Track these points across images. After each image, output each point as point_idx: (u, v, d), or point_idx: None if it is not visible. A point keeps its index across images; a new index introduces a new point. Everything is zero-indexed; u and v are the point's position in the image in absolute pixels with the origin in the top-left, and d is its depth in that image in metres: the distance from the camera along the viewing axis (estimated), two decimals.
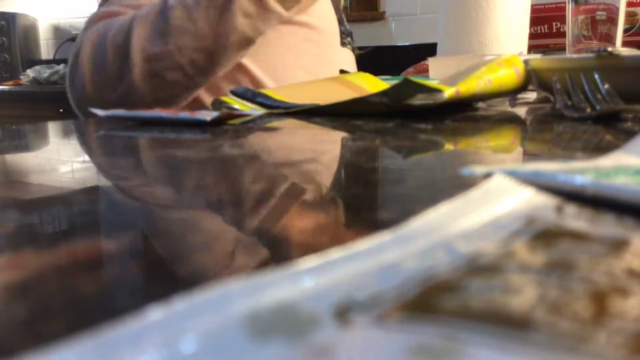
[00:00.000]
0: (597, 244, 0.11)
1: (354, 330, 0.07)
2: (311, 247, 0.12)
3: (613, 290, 0.08)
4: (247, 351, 0.07)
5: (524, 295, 0.08)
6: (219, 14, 0.61)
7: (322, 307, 0.08)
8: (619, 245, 0.11)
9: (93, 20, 0.68)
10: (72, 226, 0.15)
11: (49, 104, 1.98)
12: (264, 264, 0.11)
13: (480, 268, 0.09)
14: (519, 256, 0.10)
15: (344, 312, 0.08)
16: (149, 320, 0.07)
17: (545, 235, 0.11)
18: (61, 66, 2.23)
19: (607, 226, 0.12)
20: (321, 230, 0.14)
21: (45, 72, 2.20)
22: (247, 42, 0.64)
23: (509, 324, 0.07)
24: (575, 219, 0.12)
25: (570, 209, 0.13)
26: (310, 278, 0.09)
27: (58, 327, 0.08)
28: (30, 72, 2.20)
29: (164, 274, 0.11)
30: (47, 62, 2.43)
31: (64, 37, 2.64)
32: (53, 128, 0.48)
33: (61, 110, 1.92)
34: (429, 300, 0.08)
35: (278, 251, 0.12)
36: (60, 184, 0.23)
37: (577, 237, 0.11)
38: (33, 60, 2.56)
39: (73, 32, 2.61)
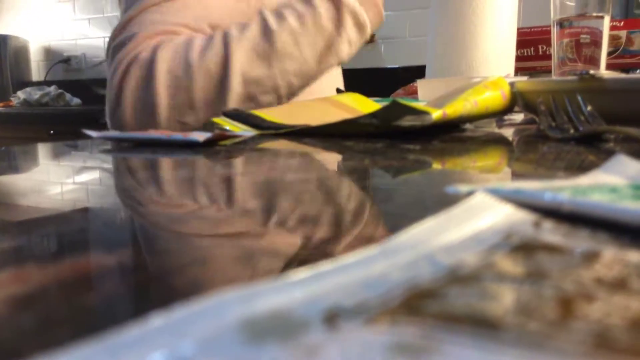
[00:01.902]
0: (570, 256, 0.11)
1: (341, 333, 0.08)
2: (302, 261, 0.13)
3: (580, 296, 0.09)
4: (243, 352, 0.07)
5: (498, 300, 0.09)
6: (326, 41, 0.62)
7: (312, 313, 0.08)
8: (590, 257, 0.11)
9: (144, 37, 0.63)
10: (68, 245, 0.16)
11: (39, 125, 1.98)
12: (257, 276, 0.12)
13: (460, 278, 0.10)
14: (496, 267, 0.10)
15: (332, 318, 0.08)
16: (150, 326, 0.08)
17: (522, 249, 0.12)
18: (52, 88, 2.24)
19: (581, 240, 0.13)
20: (312, 245, 0.14)
21: (36, 93, 2.20)
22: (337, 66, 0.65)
23: (483, 325, 0.08)
24: (551, 233, 0.13)
25: (548, 224, 0.14)
26: (302, 288, 0.09)
27: (62, 337, 0.09)
28: (21, 94, 2.21)
29: (163, 286, 0.12)
30: (38, 84, 2.43)
31: (55, 58, 2.65)
32: (46, 150, 0.49)
33: (52, 132, 1.93)
34: (411, 306, 0.09)
35: (271, 264, 0.13)
36: (51, 205, 0.23)
37: (552, 249, 0.12)
38: (24, 82, 2.57)
39: (64, 54, 2.63)
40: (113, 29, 0.70)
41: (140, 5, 0.64)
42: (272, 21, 0.61)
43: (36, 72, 2.72)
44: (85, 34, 2.60)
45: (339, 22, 0.62)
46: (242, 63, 0.60)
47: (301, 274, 0.10)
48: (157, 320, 0.08)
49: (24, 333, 0.09)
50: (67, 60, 2.61)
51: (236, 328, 0.08)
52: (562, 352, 0.07)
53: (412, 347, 0.07)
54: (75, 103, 2.26)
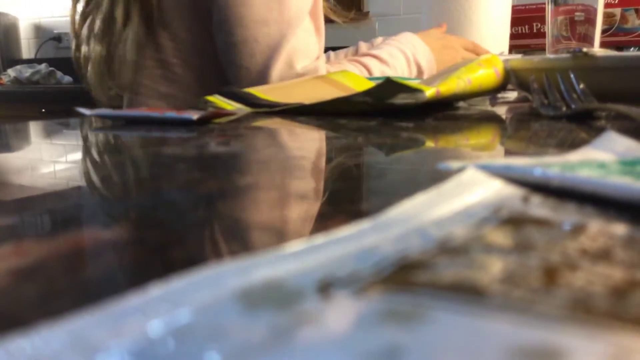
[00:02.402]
0: (557, 228, 0.12)
1: (334, 301, 0.08)
2: (297, 234, 0.13)
3: (564, 266, 0.09)
4: (239, 319, 0.08)
5: (485, 270, 0.09)
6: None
7: (307, 283, 0.09)
8: (576, 230, 0.12)
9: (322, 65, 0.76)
10: (65, 221, 0.16)
11: (30, 104, 1.96)
12: (253, 249, 0.12)
13: (449, 249, 0.10)
14: (484, 239, 0.11)
15: (325, 287, 0.09)
16: (150, 295, 0.08)
17: (510, 222, 0.12)
18: (42, 65, 2.21)
19: (569, 214, 0.13)
20: (306, 219, 0.15)
21: (26, 71, 2.17)
22: None
23: (470, 293, 0.08)
24: (539, 207, 0.13)
25: (536, 198, 0.14)
26: (296, 260, 0.10)
27: (63, 307, 0.09)
28: (12, 72, 2.18)
29: (163, 258, 0.12)
30: (29, 62, 2.40)
31: (45, 36, 2.61)
32: (39, 127, 0.49)
33: (43, 110, 1.91)
34: (401, 276, 0.09)
35: (267, 237, 0.13)
36: (45, 184, 0.23)
37: (540, 223, 0.12)
38: (14, 60, 2.54)
39: (54, 31, 2.59)
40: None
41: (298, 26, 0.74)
42: (392, 75, 0.81)
43: (26, 49, 2.69)
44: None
45: (409, 72, 0.85)
46: None
47: (295, 246, 0.10)
48: (156, 290, 0.08)
49: (26, 303, 0.09)
50: (57, 37, 2.58)
51: (233, 297, 0.08)
52: (544, 316, 0.07)
53: (402, 314, 0.07)
54: (66, 81, 2.24)
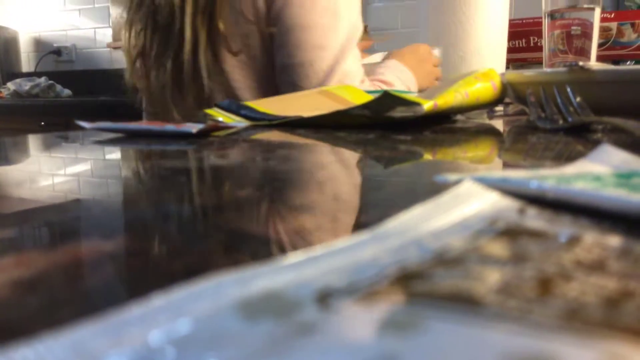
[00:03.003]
0: (552, 240, 0.12)
1: (333, 311, 0.08)
2: (296, 246, 0.13)
3: (559, 276, 0.09)
4: (240, 329, 0.08)
5: (481, 280, 0.09)
6: None
7: (306, 293, 0.09)
8: (571, 242, 0.12)
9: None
10: (67, 233, 0.16)
11: (30, 117, 1.97)
12: (253, 260, 0.12)
13: (446, 260, 0.10)
14: (480, 250, 0.11)
15: (324, 298, 0.09)
16: (151, 306, 0.08)
17: (506, 233, 0.12)
18: (42, 79, 2.22)
19: (564, 225, 0.13)
20: (305, 231, 0.15)
21: (26, 84, 2.18)
22: None
23: (466, 303, 0.08)
24: (535, 219, 0.14)
25: (532, 210, 0.14)
26: (295, 271, 0.10)
27: (65, 318, 0.09)
28: (11, 85, 2.19)
29: (163, 270, 0.12)
30: (28, 75, 2.41)
31: (45, 49, 2.62)
32: (38, 140, 0.49)
33: (42, 123, 1.91)
34: (399, 287, 0.09)
35: (266, 249, 0.13)
36: (45, 196, 0.23)
37: (536, 234, 0.12)
38: (14, 73, 2.55)
39: (54, 45, 2.60)
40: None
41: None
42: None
43: (26, 63, 2.70)
44: (75, 24, 2.58)
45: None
46: None
47: (295, 258, 0.10)
48: (157, 300, 0.09)
49: (28, 314, 0.09)
50: (57, 51, 2.59)
51: (232, 307, 0.08)
52: (539, 325, 0.07)
53: (399, 324, 0.07)
54: (65, 94, 2.25)
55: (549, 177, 0.17)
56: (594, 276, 0.09)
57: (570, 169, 0.20)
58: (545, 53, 0.95)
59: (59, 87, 2.25)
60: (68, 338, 0.08)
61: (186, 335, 0.08)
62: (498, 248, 0.11)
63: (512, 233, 0.12)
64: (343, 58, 0.77)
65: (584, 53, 0.91)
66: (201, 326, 0.08)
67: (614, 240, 0.12)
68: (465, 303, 0.08)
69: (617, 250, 0.11)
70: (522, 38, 1.24)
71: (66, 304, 0.10)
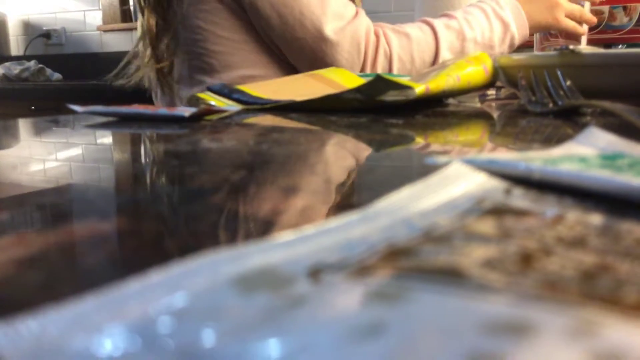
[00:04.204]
0: (536, 218, 0.12)
1: (324, 285, 0.09)
2: (289, 225, 0.14)
3: (540, 251, 0.10)
4: (235, 302, 0.08)
5: (465, 256, 0.09)
6: (489, 50, 0.82)
7: (298, 269, 0.09)
8: (554, 220, 0.12)
9: (369, 30, 0.79)
10: (65, 215, 0.16)
11: (20, 101, 1.95)
12: (247, 238, 0.13)
13: (433, 238, 0.11)
14: (467, 228, 0.11)
15: (316, 273, 0.09)
16: (150, 281, 0.09)
17: (492, 212, 0.13)
18: (32, 62, 2.19)
19: (548, 205, 0.14)
20: (297, 211, 0.15)
21: (15, 68, 2.16)
22: None
23: (450, 276, 0.08)
24: (521, 199, 0.14)
25: (518, 191, 0.15)
26: (288, 248, 0.10)
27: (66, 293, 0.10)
28: (0, 69, 2.16)
29: (159, 249, 0.12)
30: (18, 59, 2.38)
31: (34, 33, 2.59)
32: (29, 125, 0.49)
33: (33, 107, 1.90)
34: (387, 262, 0.09)
35: (260, 228, 0.14)
36: (38, 180, 0.23)
37: (521, 213, 0.13)
38: (3, 57, 2.52)
39: (43, 28, 2.57)
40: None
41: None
42: (466, 29, 0.82)
43: (15, 46, 2.66)
44: (65, 7, 2.54)
45: (502, 42, 0.85)
46: (443, 57, 0.80)
47: (288, 236, 0.11)
48: (155, 276, 0.09)
49: (31, 290, 0.10)
50: (46, 34, 2.56)
51: (228, 282, 0.09)
52: (518, 296, 0.08)
53: (386, 295, 0.08)
54: (56, 78, 2.23)
55: (536, 159, 0.17)
56: (574, 251, 0.10)
57: (557, 151, 0.21)
58: (535, 37, 0.96)
59: (49, 70, 2.23)
60: (70, 311, 0.08)
61: (183, 308, 0.08)
62: (484, 226, 0.12)
63: (497, 212, 0.13)
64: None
65: (575, 36, 0.91)
66: (198, 300, 0.08)
67: (596, 219, 0.12)
68: (449, 276, 0.09)
69: (598, 228, 0.12)
70: None
71: (67, 281, 0.10)
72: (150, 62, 0.84)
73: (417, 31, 0.80)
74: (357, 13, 0.78)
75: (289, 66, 0.80)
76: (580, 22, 0.89)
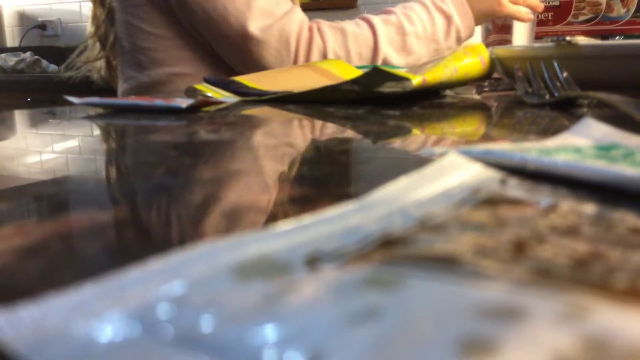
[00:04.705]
0: (530, 208, 0.12)
1: (320, 273, 0.09)
2: (286, 215, 0.14)
3: (533, 240, 0.10)
4: (233, 289, 0.08)
5: (460, 244, 0.10)
6: (435, 46, 0.83)
7: (295, 257, 0.09)
8: (548, 209, 0.12)
9: (303, 26, 0.77)
10: (65, 205, 0.16)
11: (15, 92, 1.94)
12: (246, 228, 0.13)
13: (428, 227, 0.11)
14: (462, 218, 0.11)
15: (313, 261, 0.09)
16: (150, 269, 0.09)
17: (487, 202, 0.13)
18: (27, 54, 2.18)
19: (543, 194, 0.14)
20: (294, 201, 0.15)
21: (11, 60, 2.15)
22: None
23: (445, 263, 0.09)
24: (516, 189, 0.14)
25: (513, 181, 0.15)
26: (286, 237, 0.10)
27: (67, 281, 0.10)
28: None
29: (157, 238, 0.13)
30: (13, 50, 2.37)
31: (29, 24, 2.57)
32: (27, 117, 0.49)
33: (29, 99, 1.89)
34: (383, 251, 0.10)
35: (257, 218, 0.14)
36: (38, 171, 0.23)
37: (515, 203, 0.13)
38: None
39: (39, 19, 2.55)
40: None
41: None
42: (406, 24, 0.80)
43: (10, 37, 2.65)
44: None
45: (447, 35, 0.83)
46: (384, 52, 0.79)
47: (285, 226, 0.11)
48: (154, 264, 0.09)
49: (32, 278, 0.10)
50: (42, 25, 2.54)
51: (226, 270, 0.09)
52: (510, 282, 0.08)
53: (382, 281, 0.08)
54: (51, 70, 2.22)
55: (531, 150, 0.17)
56: (567, 240, 0.10)
57: (553, 141, 0.21)
58: (481, 31, 0.95)
59: (44, 62, 2.22)
60: (71, 298, 0.08)
61: (182, 295, 0.08)
62: (479, 215, 0.12)
63: (493, 202, 0.13)
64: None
65: (506, 29, 0.90)
66: (196, 287, 0.08)
67: (589, 208, 0.13)
68: (444, 263, 0.09)
69: (591, 217, 0.12)
70: None
71: (67, 269, 0.10)
72: (100, 53, 0.84)
73: (353, 27, 0.79)
74: (290, 9, 0.76)
75: (220, 63, 0.79)
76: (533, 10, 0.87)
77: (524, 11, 0.86)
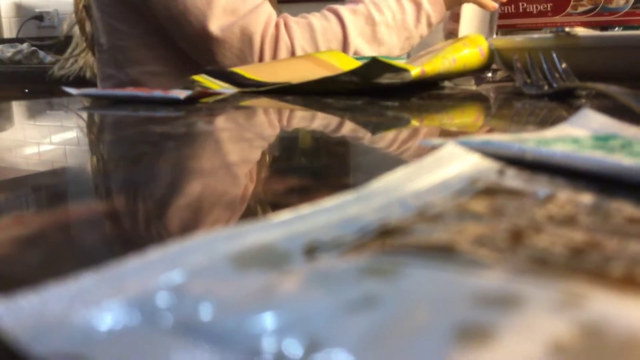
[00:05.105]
0: (528, 198, 0.12)
1: (319, 262, 0.09)
2: (284, 205, 0.14)
3: (531, 229, 0.10)
4: (232, 277, 0.08)
5: (458, 233, 0.10)
6: (407, 34, 0.82)
7: (294, 247, 0.09)
8: (546, 199, 0.12)
9: (269, 23, 0.75)
10: (65, 196, 0.16)
11: (13, 84, 1.94)
12: (244, 218, 0.13)
13: (426, 217, 0.11)
14: (460, 208, 0.12)
15: (311, 250, 0.09)
16: (149, 258, 0.09)
17: (485, 192, 0.13)
18: (24, 45, 2.17)
19: (540, 185, 0.14)
20: (293, 192, 0.15)
21: (8, 51, 2.14)
22: None
23: (443, 252, 0.09)
24: (514, 179, 0.14)
25: (511, 171, 0.15)
26: (284, 227, 0.10)
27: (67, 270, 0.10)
28: None
29: (161, 227, 0.13)
30: (10, 41, 2.35)
31: (27, 15, 2.56)
32: (25, 108, 0.49)
33: (26, 90, 1.88)
34: (381, 241, 0.10)
35: (256, 208, 0.14)
36: (38, 162, 0.23)
37: (513, 193, 0.13)
38: None
39: (36, 10, 2.54)
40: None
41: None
42: (375, 13, 0.79)
43: (7, 28, 2.63)
44: None
45: (417, 22, 0.82)
46: (355, 44, 0.78)
47: (284, 216, 0.11)
48: (153, 254, 0.09)
49: (32, 268, 0.10)
50: (39, 16, 2.53)
51: (225, 259, 0.09)
52: (507, 270, 0.08)
53: (380, 270, 0.08)
54: (49, 61, 2.21)
55: (529, 140, 0.17)
56: (564, 229, 0.10)
57: (551, 132, 0.21)
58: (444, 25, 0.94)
59: (42, 53, 2.21)
60: (71, 287, 0.08)
61: (182, 284, 0.08)
62: (476, 205, 0.12)
63: (490, 192, 0.13)
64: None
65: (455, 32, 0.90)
66: (196, 276, 0.08)
67: (587, 198, 0.13)
68: (442, 252, 0.09)
69: (588, 207, 0.12)
70: (512, 4, 1.23)
71: (67, 259, 0.10)
72: (84, 50, 0.84)
73: (321, 20, 0.77)
74: (256, 6, 0.74)
75: (193, 62, 0.77)
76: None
77: (490, 0, 0.85)
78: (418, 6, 0.81)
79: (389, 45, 0.81)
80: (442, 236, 0.10)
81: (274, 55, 0.74)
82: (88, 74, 0.88)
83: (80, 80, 0.88)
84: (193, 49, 0.75)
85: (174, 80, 0.77)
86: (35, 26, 2.56)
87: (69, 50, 0.88)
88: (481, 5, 0.86)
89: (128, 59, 0.78)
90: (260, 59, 0.74)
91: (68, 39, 0.93)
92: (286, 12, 0.81)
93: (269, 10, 0.75)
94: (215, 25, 0.71)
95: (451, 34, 0.89)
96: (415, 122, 0.32)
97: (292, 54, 0.75)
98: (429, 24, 0.83)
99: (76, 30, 0.87)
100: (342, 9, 0.79)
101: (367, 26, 0.79)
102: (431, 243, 0.09)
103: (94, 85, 0.87)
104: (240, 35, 0.72)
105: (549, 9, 1.05)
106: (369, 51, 0.79)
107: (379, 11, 0.79)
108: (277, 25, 0.75)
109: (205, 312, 0.07)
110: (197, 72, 0.57)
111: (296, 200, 0.15)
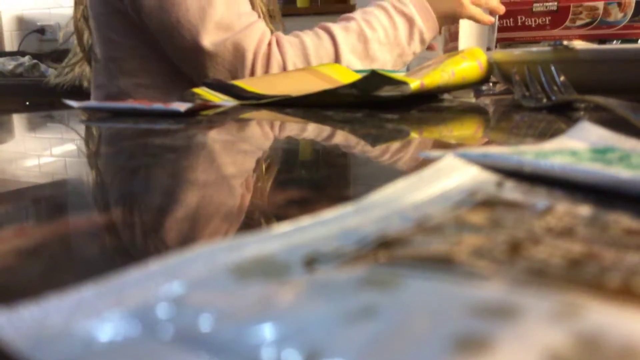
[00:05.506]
0: (526, 210, 0.12)
1: (318, 273, 0.09)
2: (284, 217, 0.14)
3: (529, 241, 0.10)
4: (232, 288, 0.08)
5: (456, 244, 0.10)
6: (399, 51, 0.82)
7: (294, 258, 0.10)
8: (544, 211, 0.12)
9: (262, 40, 0.76)
10: (66, 207, 0.16)
11: (14, 96, 1.94)
12: (244, 229, 0.13)
13: (425, 228, 0.11)
14: (459, 219, 0.12)
15: (311, 262, 0.09)
16: (150, 270, 0.09)
17: (484, 204, 0.13)
18: (26, 58, 2.18)
19: (539, 197, 0.14)
20: (293, 204, 0.15)
21: (9, 64, 2.15)
22: None
23: (441, 263, 0.09)
24: (512, 191, 0.14)
25: (510, 183, 0.15)
26: (284, 238, 0.11)
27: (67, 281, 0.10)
28: None
29: (161, 238, 0.13)
30: (12, 54, 2.37)
31: (28, 28, 2.58)
32: (25, 120, 0.49)
33: (27, 103, 1.89)
34: (380, 252, 0.10)
35: (256, 220, 0.14)
36: (39, 174, 0.24)
37: (511, 205, 0.13)
38: None
39: (38, 24, 2.56)
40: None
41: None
42: (367, 30, 0.79)
43: (9, 42, 2.65)
44: (59, 2, 2.53)
45: (410, 38, 0.82)
46: (347, 61, 0.78)
47: (283, 227, 0.11)
48: (154, 265, 0.09)
49: (33, 279, 0.10)
50: (40, 29, 2.55)
51: (225, 270, 0.09)
52: (505, 282, 0.08)
53: (379, 281, 0.08)
54: (50, 74, 2.22)
55: (527, 153, 0.17)
56: (562, 241, 0.10)
57: (549, 144, 0.21)
58: (439, 39, 0.94)
59: (43, 66, 2.22)
60: (71, 298, 0.08)
61: (182, 295, 0.08)
62: (475, 217, 0.12)
63: (489, 204, 0.13)
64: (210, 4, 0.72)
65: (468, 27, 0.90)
66: (196, 287, 0.09)
67: (584, 210, 0.13)
68: (440, 264, 0.09)
69: (586, 219, 0.12)
70: (510, 17, 1.24)
71: (67, 270, 0.10)
72: (80, 60, 0.84)
73: (313, 38, 0.78)
74: (250, 24, 0.74)
75: (184, 77, 0.77)
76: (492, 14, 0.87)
77: (485, 14, 0.85)
78: (410, 23, 0.81)
79: (381, 61, 0.81)
80: (441, 247, 0.10)
81: (266, 72, 0.75)
82: (85, 84, 0.88)
83: (76, 90, 0.88)
84: (185, 62, 0.75)
85: (165, 94, 0.77)
86: (37, 39, 2.57)
87: (66, 59, 0.89)
88: (477, 21, 0.86)
89: (120, 70, 0.79)
90: (252, 76, 0.74)
91: (68, 52, 0.94)
92: (290, 24, 0.81)
93: (262, 28, 0.76)
94: (207, 40, 0.72)
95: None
96: (414, 135, 0.32)
97: (284, 71, 0.75)
98: (422, 41, 0.83)
99: (74, 40, 0.87)
100: (334, 27, 0.79)
101: (359, 43, 0.79)
102: (430, 254, 0.09)
103: (89, 94, 0.88)
104: (233, 50, 0.73)
105: (547, 22, 1.06)
106: (361, 68, 0.78)
107: (371, 28, 0.79)
108: (269, 43, 0.75)
109: (206, 323, 0.07)
110: (188, 87, 0.57)
111: (296, 212, 0.15)
